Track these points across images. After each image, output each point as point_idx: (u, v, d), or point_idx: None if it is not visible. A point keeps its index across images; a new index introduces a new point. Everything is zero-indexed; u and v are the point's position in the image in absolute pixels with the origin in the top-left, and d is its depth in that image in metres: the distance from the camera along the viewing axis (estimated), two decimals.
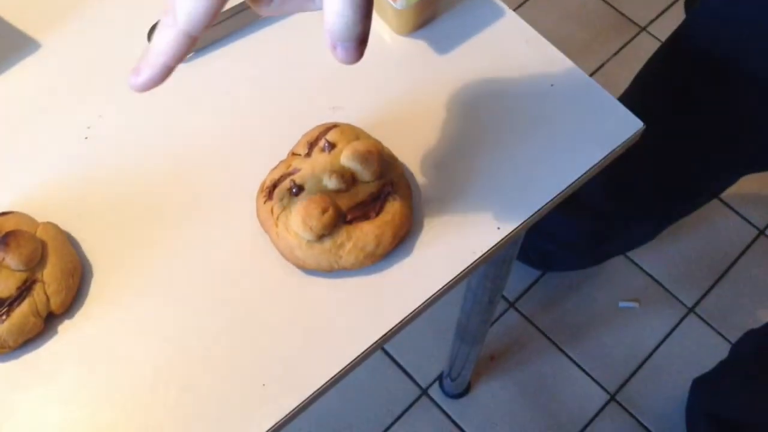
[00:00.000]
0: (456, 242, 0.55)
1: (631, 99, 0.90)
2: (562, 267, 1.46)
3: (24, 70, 0.63)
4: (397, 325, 0.53)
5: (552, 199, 0.56)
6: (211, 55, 0.64)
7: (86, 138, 0.59)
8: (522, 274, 1.49)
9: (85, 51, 0.64)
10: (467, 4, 0.65)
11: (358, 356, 0.51)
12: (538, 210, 0.56)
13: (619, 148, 0.59)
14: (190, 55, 0.63)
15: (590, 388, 1.40)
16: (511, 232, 0.55)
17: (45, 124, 0.60)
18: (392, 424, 1.36)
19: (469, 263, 0.54)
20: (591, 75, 1.67)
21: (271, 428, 0.49)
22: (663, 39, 1.64)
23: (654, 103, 0.90)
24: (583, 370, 1.42)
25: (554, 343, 1.44)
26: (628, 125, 0.60)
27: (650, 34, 1.78)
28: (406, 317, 0.53)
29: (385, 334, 0.52)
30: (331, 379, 0.51)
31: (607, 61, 1.74)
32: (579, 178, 0.57)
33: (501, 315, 1.46)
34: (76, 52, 0.64)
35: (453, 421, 1.37)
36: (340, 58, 0.36)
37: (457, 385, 1.35)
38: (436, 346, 1.41)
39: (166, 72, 0.38)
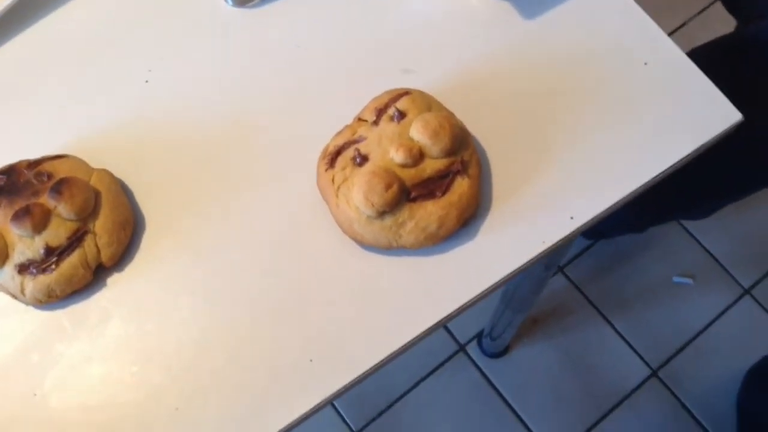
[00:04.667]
0: (524, 229, 0.52)
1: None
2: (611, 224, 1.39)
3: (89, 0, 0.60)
4: (454, 311, 0.50)
5: (631, 192, 0.52)
6: (282, 2, 0.60)
7: (147, 81, 0.57)
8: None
9: None
10: None
11: (410, 341, 0.49)
12: (616, 202, 0.52)
13: (712, 140, 0.54)
14: (257, 0, 0.60)
15: (632, 361, 1.37)
16: (584, 223, 0.52)
17: (105, 63, 0.58)
18: (426, 376, 1.36)
19: (537, 253, 0.51)
20: (669, 35, 1.57)
21: (313, 408, 0.47)
22: None
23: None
24: (627, 343, 1.38)
25: (600, 312, 1.41)
26: (725, 115, 0.54)
27: None
28: (463, 304, 0.50)
29: (440, 320, 0.50)
30: (380, 362, 0.49)
31: (690, 20, 1.63)
32: (663, 171, 0.53)
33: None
34: None
35: (488, 380, 1.35)
36: None
37: (496, 345, 1.33)
38: (479, 303, 1.39)
39: None
